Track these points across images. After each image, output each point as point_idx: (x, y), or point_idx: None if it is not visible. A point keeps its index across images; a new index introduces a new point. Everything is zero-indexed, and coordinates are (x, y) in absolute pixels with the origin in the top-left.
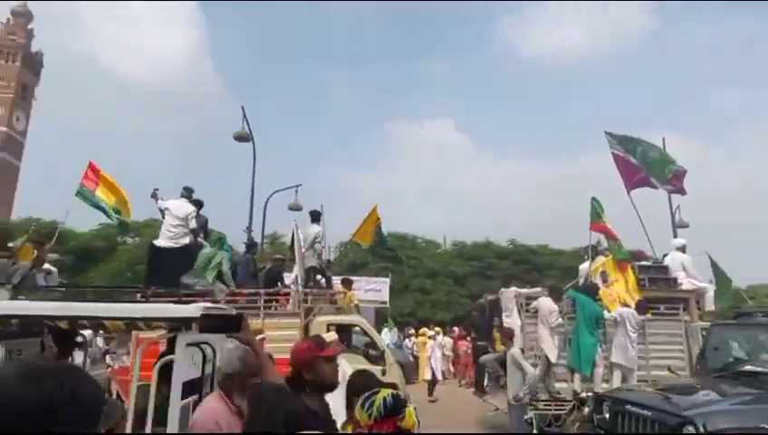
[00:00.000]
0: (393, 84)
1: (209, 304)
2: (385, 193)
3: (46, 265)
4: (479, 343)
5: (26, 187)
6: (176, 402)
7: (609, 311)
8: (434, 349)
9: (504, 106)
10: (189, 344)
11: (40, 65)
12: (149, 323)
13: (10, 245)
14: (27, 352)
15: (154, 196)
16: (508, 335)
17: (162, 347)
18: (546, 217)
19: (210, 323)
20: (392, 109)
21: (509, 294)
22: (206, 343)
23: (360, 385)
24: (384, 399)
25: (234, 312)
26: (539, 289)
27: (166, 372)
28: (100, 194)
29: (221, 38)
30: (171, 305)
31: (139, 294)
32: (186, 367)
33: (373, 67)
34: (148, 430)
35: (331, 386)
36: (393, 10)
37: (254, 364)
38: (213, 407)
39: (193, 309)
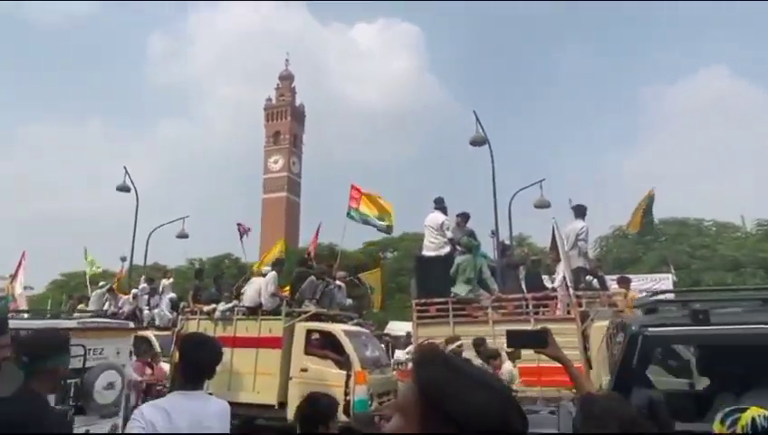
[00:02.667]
0: (628, 47)
1: None
2: (644, 174)
3: (337, 282)
4: None
5: (306, 218)
6: None
7: None
8: None
9: None
10: None
11: (303, 115)
12: None
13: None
14: None
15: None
16: None
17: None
18: None
19: (515, 339)
20: (638, 73)
21: None
22: None
23: None
24: (754, 419)
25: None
26: None
27: None
28: (364, 208)
29: (438, 53)
30: None
31: None
32: None
33: (602, 33)
34: None
35: None
36: None
37: None
38: None
39: None
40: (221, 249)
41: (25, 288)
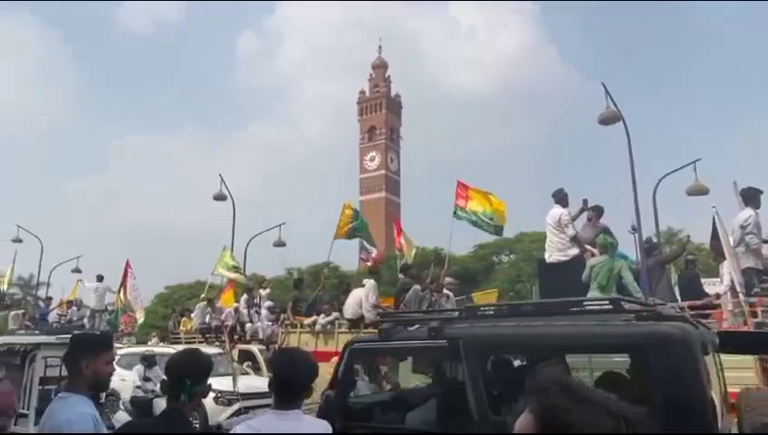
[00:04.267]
0: None
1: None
2: None
3: (445, 290)
4: None
5: (408, 220)
6: None
7: None
8: None
9: None
10: None
11: (399, 107)
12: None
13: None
14: None
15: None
16: None
17: None
18: None
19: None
20: None
21: None
22: None
23: None
24: None
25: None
26: None
27: None
28: (473, 208)
29: (557, 23)
30: None
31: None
32: None
33: None
34: None
35: None
36: None
37: None
38: None
39: None
40: (320, 257)
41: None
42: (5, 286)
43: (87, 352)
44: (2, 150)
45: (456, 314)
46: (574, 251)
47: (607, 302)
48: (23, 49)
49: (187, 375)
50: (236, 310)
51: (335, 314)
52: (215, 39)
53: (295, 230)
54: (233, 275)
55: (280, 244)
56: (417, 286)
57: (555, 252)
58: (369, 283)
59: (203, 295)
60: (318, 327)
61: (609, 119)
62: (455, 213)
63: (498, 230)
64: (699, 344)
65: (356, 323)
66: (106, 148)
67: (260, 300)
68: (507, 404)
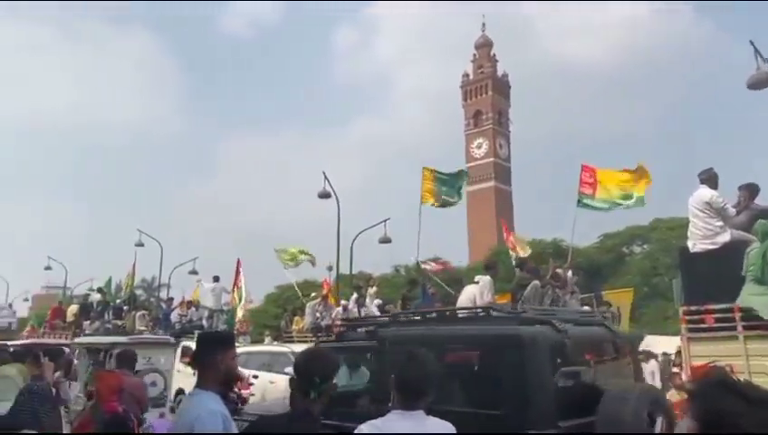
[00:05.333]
0: None
1: None
2: None
3: (569, 287)
4: None
5: (521, 211)
6: None
7: None
8: None
9: None
10: None
11: (507, 87)
12: None
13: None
14: None
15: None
16: None
17: None
18: None
19: None
20: None
21: None
22: None
23: None
24: None
25: None
26: None
27: None
28: (602, 195)
29: None
30: None
31: None
32: None
33: None
34: None
35: None
36: None
37: None
38: None
39: None
40: (428, 253)
41: (248, 301)
42: (127, 289)
43: (220, 349)
44: (121, 159)
45: (387, 320)
46: (724, 238)
47: (480, 309)
48: (134, 60)
49: (316, 374)
50: (345, 308)
51: None
52: (311, 35)
53: (401, 226)
54: (303, 258)
55: (385, 240)
56: (536, 282)
57: (701, 240)
58: (484, 279)
59: (313, 294)
60: None
61: (760, 82)
62: (579, 201)
63: (640, 201)
64: (548, 344)
65: None
66: (212, 152)
67: (367, 299)
68: None
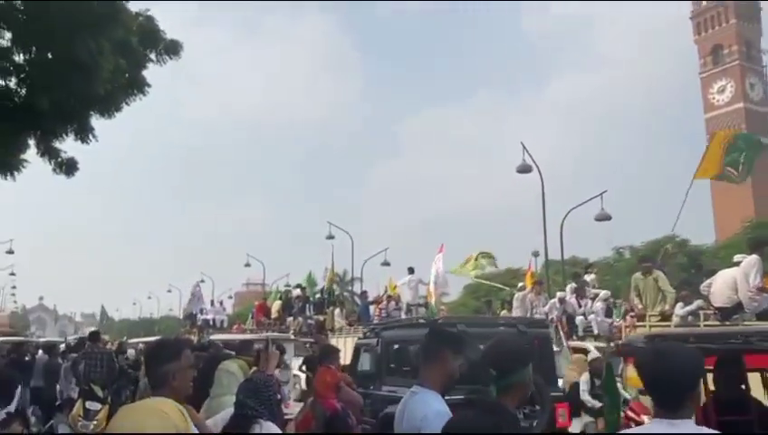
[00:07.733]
0: None
1: None
2: None
3: None
4: None
5: None
6: None
7: None
8: None
9: None
10: None
11: (757, 9)
12: None
13: None
14: None
15: None
16: None
17: None
18: None
19: None
20: None
21: None
22: None
23: None
24: None
25: None
26: None
27: None
28: None
29: None
30: None
31: None
32: None
33: None
34: None
35: None
36: None
37: None
38: None
39: None
40: (659, 230)
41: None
42: (328, 284)
43: (448, 349)
44: (308, 150)
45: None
46: None
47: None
48: (316, 47)
49: (493, 367)
50: (562, 301)
51: (698, 303)
52: None
53: (623, 200)
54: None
55: (603, 217)
56: None
57: None
58: (749, 259)
59: (521, 284)
60: (675, 319)
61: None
62: None
63: None
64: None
65: (729, 311)
66: (397, 130)
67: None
68: (399, 371)
